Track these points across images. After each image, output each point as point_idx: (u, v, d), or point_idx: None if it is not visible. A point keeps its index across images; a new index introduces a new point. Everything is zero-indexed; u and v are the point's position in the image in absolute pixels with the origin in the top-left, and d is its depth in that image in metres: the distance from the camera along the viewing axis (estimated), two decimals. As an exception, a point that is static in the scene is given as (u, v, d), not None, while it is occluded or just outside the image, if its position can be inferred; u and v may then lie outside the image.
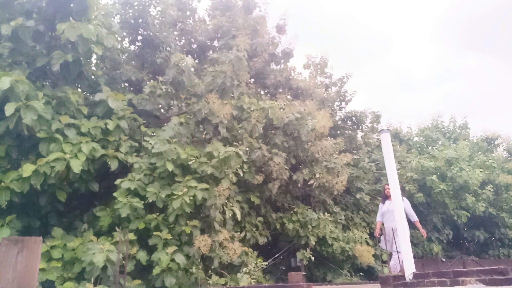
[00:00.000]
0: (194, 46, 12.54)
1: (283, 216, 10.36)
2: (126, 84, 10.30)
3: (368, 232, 11.76)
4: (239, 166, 7.87)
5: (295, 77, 12.83)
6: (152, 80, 9.49)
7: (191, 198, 6.69)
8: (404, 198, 6.27)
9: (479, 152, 18.76)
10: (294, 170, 10.48)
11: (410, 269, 5.30)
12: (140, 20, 10.12)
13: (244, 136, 8.95)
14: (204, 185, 6.95)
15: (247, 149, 8.85)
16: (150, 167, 7.22)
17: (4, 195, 5.97)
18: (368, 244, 10.85)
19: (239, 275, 7.75)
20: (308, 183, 10.13)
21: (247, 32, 11.13)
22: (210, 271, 7.43)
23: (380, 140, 9.80)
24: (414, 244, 13.66)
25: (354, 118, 14.20)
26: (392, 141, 7.38)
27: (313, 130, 9.74)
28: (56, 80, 7.71)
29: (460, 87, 73.44)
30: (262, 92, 12.37)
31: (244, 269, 7.90)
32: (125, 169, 7.27)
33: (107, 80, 9.18)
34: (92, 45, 6.98)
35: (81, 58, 7.36)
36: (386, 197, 6.66)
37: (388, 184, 6.26)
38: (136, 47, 10.69)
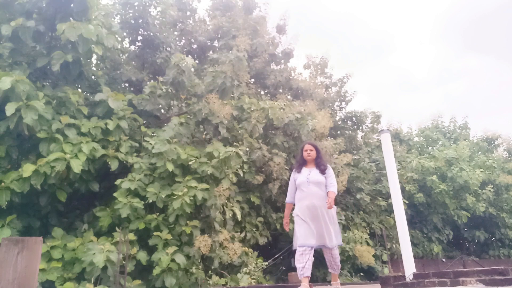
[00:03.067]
0: (194, 46, 12.54)
1: (284, 216, 10.33)
2: (126, 84, 10.31)
3: (369, 232, 11.75)
4: (239, 166, 7.87)
5: (295, 77, 12.83)
6: (152, 80, 9.50)
7: (191, 198, 6.69)
8: (329, 165, 4.53)
9: (479, 152, 18.77)
10: (294, 170, 10.46)
11: (410, 269, 5.31)
12: (140, 21, 10.12)
13: (244, 136, 8.95)
14: (204, 185, 6.95)
15: (247, 149, 8.85)
16: (150, 167, 7.22)
17: (4, 195, 5.97)
18: (368, 244, 10.84)
19: (239, 275, 7.75)
20: (308, 184, 10.10)
21: (247, 33, 11.13)
22: (210, 271, 7.43)
23: (380, 140, 9.81)
24: (414, 244, 13.66)
25: (354, 118, 14.18)
26: (392, 141, 7.36)
27: (313, 130, 9.73)
28: (57, 80, 7.71)
29: (460, 88, 73.45)
30: (262, 92, 12.37)
31: (244, 269, 7.90)
32: (125, 169, 7.28)
33: (107, 80, 9.18)
34: (92, 45, 6.99)
35: (81, 58, 7.37)
36: (305, 162, 4.52)
37: (309, 144, 4.55)
38: (136, 47, 10.69)
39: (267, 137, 10.16)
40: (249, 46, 9.49)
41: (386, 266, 11.18)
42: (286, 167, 9.74)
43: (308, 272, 4.19)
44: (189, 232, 6.87)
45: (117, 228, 6.40)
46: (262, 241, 9.54)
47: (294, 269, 9.96)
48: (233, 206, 8.09)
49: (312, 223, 4.24)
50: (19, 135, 6.55)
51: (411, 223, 14.21)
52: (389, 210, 12.15)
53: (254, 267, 8.04)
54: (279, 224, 10.23)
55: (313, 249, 4.28)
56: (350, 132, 14.21)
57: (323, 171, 4.40)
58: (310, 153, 4.49)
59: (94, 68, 9.34)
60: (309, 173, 4.39)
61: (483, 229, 16.32)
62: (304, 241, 4.27)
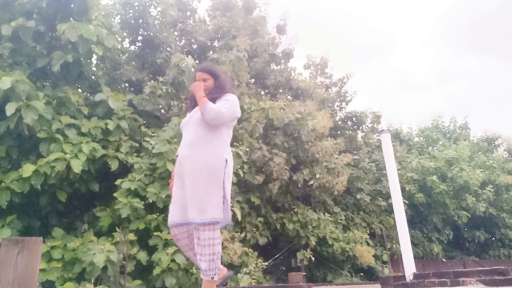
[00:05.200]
0: (195, 46, 12.55)
1: (284, 217, 10.36)
2: (127, 85, 10.31)
3: (369, 232, 11.76)
4: (239, 167, 7.87)
5: (295, 77, 12.84)
6: (152, 81, 9.50)
7: (192, 198, 6.67)
8: (231, 94, 2.77)
9: (480, 153, 18.77)
10: (295, 171, 10.49)
11: (410, 269, 5.31)
12: (141, 21, 10.12)
13: (245, 136, 8.96)
14: (205, 186, 6.93)
15: (247, 149, 8.85)
16: (150, 167, 7.22)
17: (4, 196, 5.97)
18: (368, 244, 10.85)
19: (239, 275, 7.75)
20: (309, 184, 10.13)
21: (247, 33, 11.15)
22: (210, 272, 7.42)
23: (380, 141, 9.82)
24: (414, 244, 13.66)
25: (354, 119, 14.20)
26: (392, 142, 7.35)
27: (313, 131, 9.74)
28: (57, 80, 7.72)
29: (460, 88, 73.52)
30: (262, 93, 12.37)
31: (245, 269, 7.90)
32: (125, 169, 7.28)
33: (108, 81, 9.18)
34: (93, 46, 6.99)
35: (81, 59, 7.36)
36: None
37: (201, 70, 2.84)
38: (137, 47, 10.69)
39: (267, 137, 10.16)
40: (249, 46, 9.51)
41: (386, 266, 11.18)
42: (286, 167, 9.74)
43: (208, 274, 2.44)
44: (189, 232, 6.86)
45: (117, 228, 6.40)
46: (262, 241, 9.54)
47: (294, 269, 10.01)
48: (233, 206, 8.08)
49: (179, 184, 2.63)
50: (19, 135, 6.55)
51: (411, 223, 14.22)
52: (389, 210, 12.16)
53: (254, 267, 8.05)
54: (279, 224, 10.24)
55: (189, 229, 2.59)
56: (350, 132, 14.22)
57: (213, 102, 2.67)
58: (204, 83, 2.79)
59: (94, 68, 9.34)
60: (197, 111, 2.70)
61: (483, 229, 16.33)
62: (169, 220, 2.64)
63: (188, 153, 2.59)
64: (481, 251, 17.11)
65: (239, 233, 8.55)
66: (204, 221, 2.41)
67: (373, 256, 10.28)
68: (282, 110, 9.63)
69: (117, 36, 8.41)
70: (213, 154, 2.56)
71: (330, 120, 10.10)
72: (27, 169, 5.95)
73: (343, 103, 14.57)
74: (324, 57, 14.40)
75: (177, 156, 2.77)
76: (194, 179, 2.50)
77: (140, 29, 10.33)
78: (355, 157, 12.84)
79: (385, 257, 11.35)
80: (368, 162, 12.90)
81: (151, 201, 6.82)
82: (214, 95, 2.72)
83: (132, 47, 10.79)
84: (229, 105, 2.65)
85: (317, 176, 10.00)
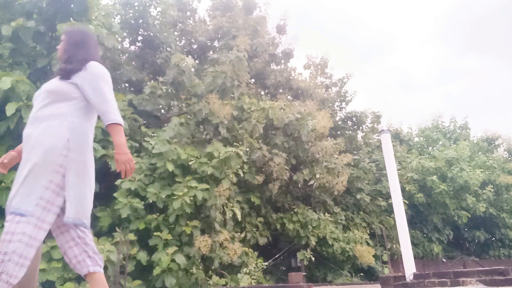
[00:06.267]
0: (195, 46, 12.55)
1: (284, 217, 10.35)
2: (127, 85, 10.31)
3: (369, 232, 11.76)
4: (239, 167, 7.87)
5: (295, 77, 12.83)
6: (152, 81, 9.50)
7: (192, 198, 6.69)
8: (92, 64, 2.10)
9: (480, 153, 18.77)
10: (295, 171, 10.48)
11: (410, 269, 5.31)
12: (141, 21, 10.12)
13: (245, 136, 8.96)
14: (205, 186, 6.96)
15: (248, 149, 8.85)
16: (150, 167, 7.22)
17: (4, 196, 5.96)
18: (368, 244, 10.85)
19: (239, 275, 7.75)
20: (309, 184, 10.13)
21: (247, 33, 11.15)
22: (210, 272, 7.43)
23: (380, 141, 9.83)
24: (414, 244, 13.66)
25: (354, 119, 14.19)
26: (392, 142, 7.36)
27: (314, 131, 9.74)
28: (57, 80, 7.71)
29: (460, 88, 73.58)
30: (262, 93, 12.37)
31: (245, 269, 7.90)
32: (125, 169, 7.26)
33: (108, 81, 9.18)
34: (93, 46, 6.98)
35: (81, 59, 7.36)
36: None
37: (63, 32, 2.33)
38: (137, 47, 10.69)
39: (267, 137, 10.16)
40: (249, 46, 9.51)
41: (386, 266, 11.18)
42: (286, 167, 9.74)
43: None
44: (189, 232, 6.87)
45: (117, 228, 6.40)
46: (262, 241, 9.54)
47: (294, 269, 10.01)
48: (233, 206, 8.09)
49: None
50: (19, 135, 6.53)
51: (411, 223, 14.22)
52: (389, 210, 12.16)
53: (254, 267, 8.05)
54: (279, 224, 10.24)
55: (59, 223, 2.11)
56: (350, 132, 14.21)
57: (66, 73, 2.12)
58: (60, 47, 2.29)
59: (94, 68, 9.33)
60: (52, 80, 2.22)
61: (483, 229, 16.33)
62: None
63: (28, 131, 2.10)
64: (481, 251, 17.10)
65: (239, 233, 8.55)
66: (9, 210, 1.88)
67: (373, 256, 10.28)
68: (282, 110, 9.63)
69: (117, 36, 8.41)
70: (51, 132, 2.00)
71: (330, 120, 10.10)
72: (27, 169, 5.94)
73: (343, 103, 14.57)
74: (324, 57, 14.40)
75: None
76: (23, 160, 2.04)
77: (140, 29, 10.32)
78: (355, 157, 12.83)
79: (385, 257, 11.35)
80: (368, 162, 12.89)
81: (151, 201, 6.82)
82: (68, 65, 2.14)
83: (132, 47, 10.79)
84: (103, 88, 2.07)
85: (317, 176, 10.00)
